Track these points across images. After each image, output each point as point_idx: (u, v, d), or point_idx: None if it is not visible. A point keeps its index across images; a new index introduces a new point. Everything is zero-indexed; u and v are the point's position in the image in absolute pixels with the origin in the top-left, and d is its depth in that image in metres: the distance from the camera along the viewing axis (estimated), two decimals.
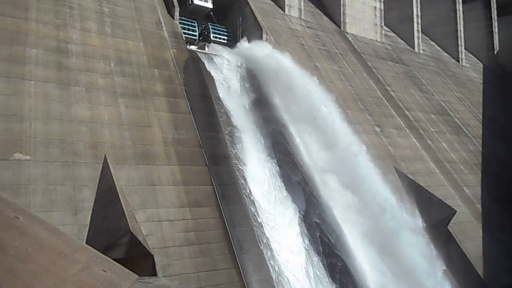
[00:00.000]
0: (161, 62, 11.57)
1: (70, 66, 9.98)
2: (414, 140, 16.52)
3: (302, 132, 12.35)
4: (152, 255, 8.30)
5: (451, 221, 13.58)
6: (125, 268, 2.66)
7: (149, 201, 9.10)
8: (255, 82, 12.84)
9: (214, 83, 12.18)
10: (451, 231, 13.72)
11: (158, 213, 9.10)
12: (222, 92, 12.14)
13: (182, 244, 9.05)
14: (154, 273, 8.30)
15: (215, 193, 10.03)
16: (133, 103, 10.26)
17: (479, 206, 15.92)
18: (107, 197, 8.60)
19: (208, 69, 12.42)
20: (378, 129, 15.60)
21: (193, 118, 10.83)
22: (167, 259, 8.71)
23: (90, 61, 10.34)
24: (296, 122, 12.45)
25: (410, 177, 14.32)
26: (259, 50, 13.60)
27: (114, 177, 8.80)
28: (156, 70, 11.25)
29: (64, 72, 9.81)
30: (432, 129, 17.83)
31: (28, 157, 8.26)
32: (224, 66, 12.82)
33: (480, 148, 19.29)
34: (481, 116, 21.73)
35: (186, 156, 10.14)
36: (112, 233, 8.12)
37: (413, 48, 23.69)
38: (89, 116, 9.47)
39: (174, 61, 11.81)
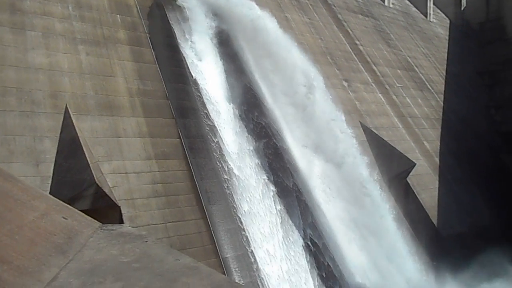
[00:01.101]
0: (124, 7, 10.96)
1: (25, 9, 9.29)
2: (379, 95, 16.81)
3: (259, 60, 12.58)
4: (119, 207, 8.30)
5: (410, 173, 14.24)
6: (87, 216, 2.63)
7: (115, 153, 8.96)
8: (221, 30, 12.55)
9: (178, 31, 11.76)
10: (409, 182, 14.43)
11: (124, 165, 9.00)
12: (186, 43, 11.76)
13: (149, 195, 9.07)
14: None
15: (183, 146, 9.98)
16: (94, 51, 9.77)
17: (437, 160, 16.71)
18: (70, 149, 8.38)
19: (172, 16, 11.90)
20: (345, 84, 15.73)
21: (158, 68, 10.49)
22: (134, 210, 8.74)
23: (46, 3, 9.65)
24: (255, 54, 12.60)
25: (374, 131, 14.72)
26: None
27: (76, 128, 8.54)
28: (118, 15, 10.66)
29: (18, 15, 9.14)
30: (397, 85, 18.16)
31: None
32: (190, 13, 12.30)
33: (442, 104, 19.93)
34: (444, 73, 22.26)
35: (152, 108, 9.92)
36: (76, 185, 8.00)
37: (383, 1, 23.52)
38: (47, 63, 8.98)
39: (138, 7, 11.20)
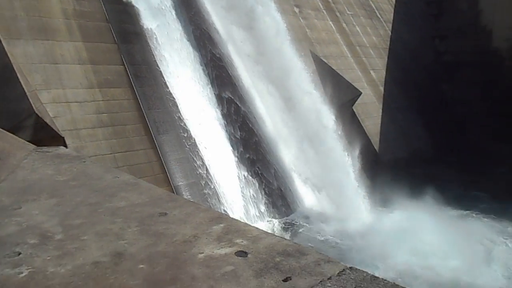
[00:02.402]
0: None
1: None
2: (330, 22, 16.69)
3: None
4: (63, 137, 8.00)
5: (356, 102, 14.73)
6: (20, 138, 2.52)
7: (53, 81, 8.47)
8: None
9: None
10: (355, 111, 14.97)
11: (64, 93, 8.58)
12: None
13: (95, 126, 8.83)
14: None
15: (127, 73, 9.59)
16: None
17: (382, 89, 17.30)
18: (3, 76, 7.78)
19: None
20: (297, 10, 15.39)
21: None
22: (79, 141, 8.52)
23: None
24: None
25: (324, 60, 14.81)
26: None
27: (8, 54, 7.87)
28: None
29: None
30: (348, 12, 18.03)
31: None
32: None
33: (390, 33, 20.18)
34: (394, 1, 22.29)
35: (91, 32, 9.28)
36: (14, 115, 7.57)
37: None
38: None
39: None
